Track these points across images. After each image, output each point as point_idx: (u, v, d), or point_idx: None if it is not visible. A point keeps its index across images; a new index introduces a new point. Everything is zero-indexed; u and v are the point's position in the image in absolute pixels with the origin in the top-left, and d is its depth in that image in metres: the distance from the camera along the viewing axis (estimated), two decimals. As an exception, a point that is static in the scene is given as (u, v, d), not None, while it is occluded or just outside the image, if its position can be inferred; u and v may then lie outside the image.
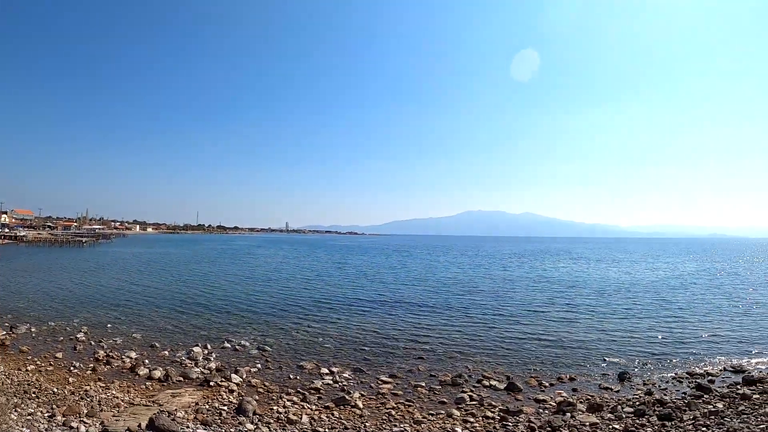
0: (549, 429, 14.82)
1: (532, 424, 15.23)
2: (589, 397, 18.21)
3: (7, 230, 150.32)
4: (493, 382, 19.88)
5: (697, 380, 20.03)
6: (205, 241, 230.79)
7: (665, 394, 18.33)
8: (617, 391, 19.13)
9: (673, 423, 14.12)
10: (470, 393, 18.61)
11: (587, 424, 14.94)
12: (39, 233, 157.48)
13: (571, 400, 17.73)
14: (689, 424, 13.77)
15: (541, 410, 16.94)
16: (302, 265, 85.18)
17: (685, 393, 18.42)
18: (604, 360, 23.60)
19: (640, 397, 18.17)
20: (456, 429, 15.00)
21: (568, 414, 16.23)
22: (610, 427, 14.52)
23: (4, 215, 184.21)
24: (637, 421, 14.87)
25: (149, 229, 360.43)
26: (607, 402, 17.57)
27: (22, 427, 13.60)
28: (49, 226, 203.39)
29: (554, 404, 17.50)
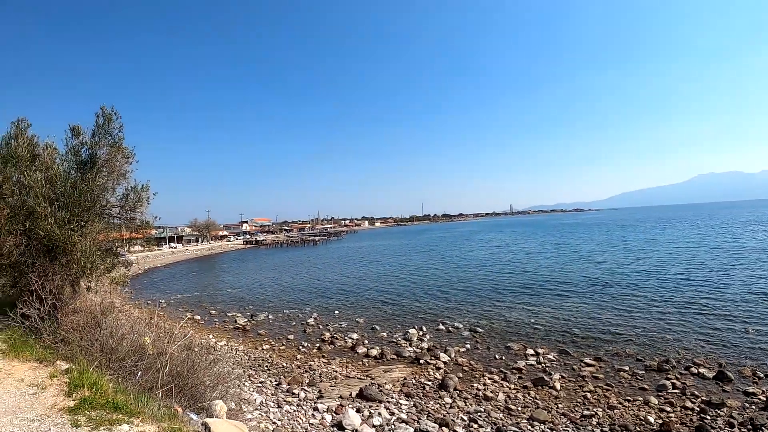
0: (750, 427, 13.70)
1: (733, 420, 14.17)
2: None
3: (248, 236, 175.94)
4: (702, 370, 18.42)
5: None
6: (429, 230, 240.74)
7: None
8: None
9: None
10: (674, 380, 17.65)
11: None
12: (276, 237, 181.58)
13: None
14: None
15: (747, 405, 15.42)
16: (518, 248, 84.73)
17: None
18: None
19: None
20: (649, 418, 14.59)
21: None
22: None
23: (245, 224, 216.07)
24: None
25: (377, 224, 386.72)
26: None
27: (253, 391, 16.71)
28: (285, 230, 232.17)
29: (764, 399, 15.71)
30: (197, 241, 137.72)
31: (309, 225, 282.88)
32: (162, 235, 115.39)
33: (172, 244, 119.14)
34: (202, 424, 6.57)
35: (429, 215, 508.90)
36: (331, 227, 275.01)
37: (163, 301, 41.36)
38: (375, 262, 75.15)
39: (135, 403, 6.63)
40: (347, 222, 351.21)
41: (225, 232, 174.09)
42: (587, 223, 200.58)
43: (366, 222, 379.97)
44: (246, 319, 32.04)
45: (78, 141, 13.31)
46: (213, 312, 36.06)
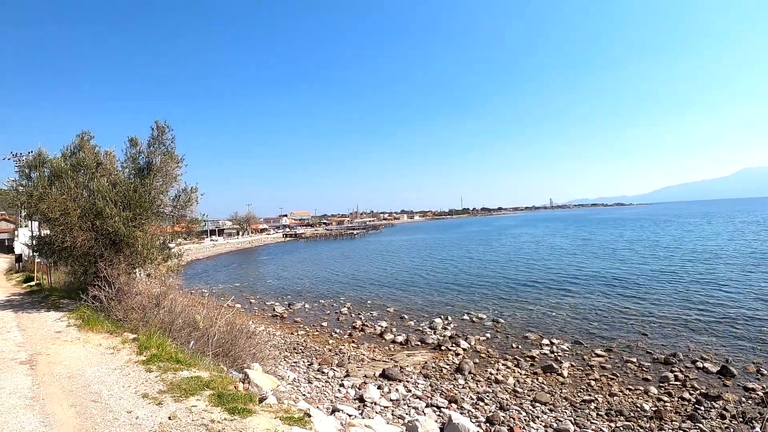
0: (741, 419, 14.66)
1: (726, 413, 15.18)
2: None
3: (288, 229, 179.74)
4: (707, 365, 19.47)
5: None
6: (467, 224, 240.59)
7: None
8: None
9: None
10: (677, 373, 18.79)
11: None
12: (315, 230, 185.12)
13: None
14: None
15: (744, 399, 16.40)
16: (548, 243, 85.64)
17: None
18: None
19: None
20: (645, 406, 15.87)
21: None
22: None
23: (285, 217, 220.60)
24: None
25: (416, 217, 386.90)
26: None
27: (287, 370, 18.82)
28: (324, 223, 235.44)
29: (761, 394, 16.53)
30: (238, 234, 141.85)
31: (348, 218, 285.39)
32: (204, 229, 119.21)
33: (214, 237, 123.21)
34: (242, 371, 8.59)
35: (468, 209, 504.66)
36: (369, 221, 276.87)
37: (206, 291, 44.01)
38: (409, 255, 77.18)
39: (192, 360, 8.71)
40: (386, 215, 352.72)
41: (265, 226, 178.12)
42: (626, 218, 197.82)
43: (405, 215, 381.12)
44: (283, 308, 34.31)
45: (135, 150, 15.62)
46: (253, 301, 38.54)
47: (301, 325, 29.05)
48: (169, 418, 6.28)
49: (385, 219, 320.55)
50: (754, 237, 72.86)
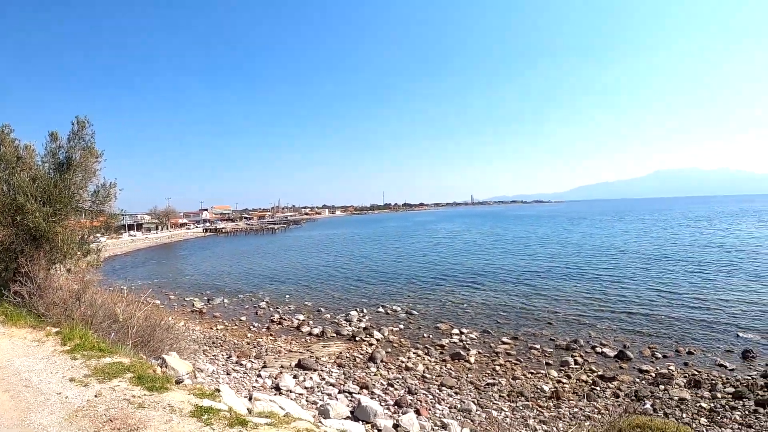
0: (633, 398, 16.32)
1: (619, 392, 16.91)
2: (696, 373, 18.53)
3: (208, 224, 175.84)
4: (606, 350, 21.36)
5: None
6: (388, 219, 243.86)
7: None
8: (731, 370, 18.88)
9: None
10: (577, 357, 20.60)
11: (675, 398, 16.06)
12: (236, 225, 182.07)
13: (672, 373, 18.43)
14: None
15: (638, 380, 18.15)
16: (464, 239, 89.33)
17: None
18: (737, 335, 23.07)
19: (752, 378, 17.75)
20: (544, 387, 17.44)
21: (662, 386, 17.23)
22: (697, 405, 15.50)
23: (206, 212, 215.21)
24: (730, 402, 15.44)
25: (337, 212, 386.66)
26: (712, 380, 17.79)
27: (206, 363, 19.34)
28: (245, 217, 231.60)
29: (654, 375, 18.39)
30: (157, 229, 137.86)
31: (269, 213, 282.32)
32: (122, 223, 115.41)
33: (132, 232, 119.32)
34: (159, 359, 9.30)
35: (389, 204, 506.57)
36: (291, 215, 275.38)
37: (124, 287, 43.19)
38: (329, 250, 78.29)
39: (113, 349, 9.34)
40: (307, 210, 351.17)
41: (185, 220, 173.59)
42: (542, 215, 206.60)
43: (326, 210, 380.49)
44: (203, 303, 34.40)
45: (55, 145, 15.75)
46: (172, 297, 38.22)
47: (221, 320, 29.35)
48: (95, 396, 7.02)
49: (306, 214, 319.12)
50: (659, 234, 78.44)
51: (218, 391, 7.91)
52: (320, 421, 9.66)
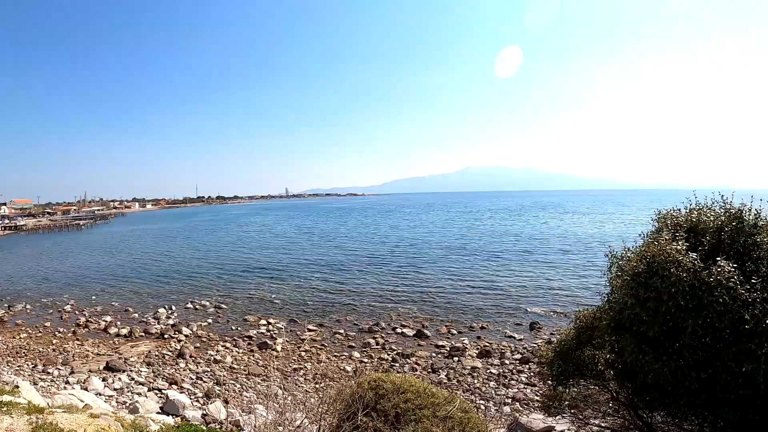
0: (430, 370, 19.49)
1: (417, 366, 20.02)
2: (487, 345, 22.16)
3: (7, 221, 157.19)
4: (406, 330, 24.85)
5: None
6: (201, 213, 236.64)
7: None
8: (520, 340, 22.79)
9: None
10: (379, 339, 23.80)
11: (468, 367, 19.45)
12: (38, 221, 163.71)
13: (466, 346, 21.89)
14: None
15: (434, 355, 21.49)
16: (275, 232, 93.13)
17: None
18: (526, 311, 27.62)
19: (538, 345, 20.87)
20: (347, 368, 20.29)
21: (456, 358, 20.56)
22: (488, 371, 19.01)
23: (4, 206, 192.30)
24: (518, 367, 19.02)
25: (149, 206, 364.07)
26: (501, 349, 21.45)
27: (11, 374, 19.89)
28: (48, 213, 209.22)
29: (448, 349, 21.78)
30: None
31: (75, 207, 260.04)
32: None
33: None
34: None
35: (203, 197, 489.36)
36: (99, 209, 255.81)
37: None
38: (137, 247, 76.96)
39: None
40: (116, 204, 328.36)
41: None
42: (354, 207, 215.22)
43: (137, 204, 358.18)
44: (3, 311, 33.07)
45: None
46: (-37, 308, 36.09)
47: (24, 328, 28.95)
48: None
49: (115, 207, 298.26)
50: (462, 224, 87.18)
51: (17, 387, 9.34)
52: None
